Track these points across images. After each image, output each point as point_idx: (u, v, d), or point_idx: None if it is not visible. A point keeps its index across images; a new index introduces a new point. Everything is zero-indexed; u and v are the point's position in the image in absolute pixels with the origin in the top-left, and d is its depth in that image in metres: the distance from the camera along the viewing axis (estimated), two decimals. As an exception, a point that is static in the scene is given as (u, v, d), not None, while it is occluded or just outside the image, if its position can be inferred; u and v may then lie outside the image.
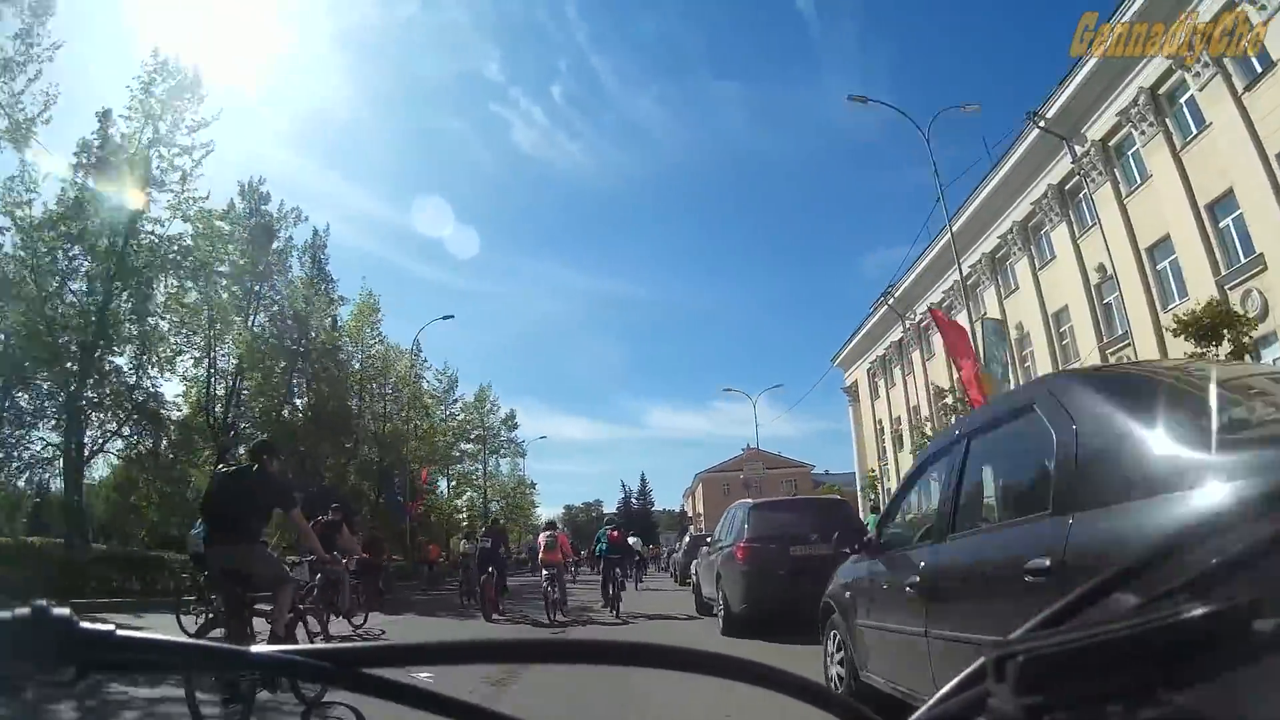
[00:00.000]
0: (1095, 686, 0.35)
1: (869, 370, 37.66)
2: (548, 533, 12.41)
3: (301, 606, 5.27)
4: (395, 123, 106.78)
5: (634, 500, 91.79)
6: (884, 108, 19.35)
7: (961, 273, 19.80)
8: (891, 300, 31.40)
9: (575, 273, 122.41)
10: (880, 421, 36.42)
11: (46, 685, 0.38)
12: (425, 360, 33.26)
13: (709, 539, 13.40)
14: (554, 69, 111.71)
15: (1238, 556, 0.44)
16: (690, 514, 77.38)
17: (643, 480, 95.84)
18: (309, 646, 0.43)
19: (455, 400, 37.22)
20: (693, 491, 79.05)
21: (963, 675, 0.43)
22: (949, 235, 18.68)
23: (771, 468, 61.82)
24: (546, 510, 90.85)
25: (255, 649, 0.42)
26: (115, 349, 18.29)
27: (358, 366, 27.53)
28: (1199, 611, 0.36)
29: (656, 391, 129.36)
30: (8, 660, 0.37)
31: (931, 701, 0.44)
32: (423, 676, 2.22)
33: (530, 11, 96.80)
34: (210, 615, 6.65)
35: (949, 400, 21.69)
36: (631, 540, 17.84)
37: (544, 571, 11.62)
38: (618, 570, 12.17)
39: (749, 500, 10.64)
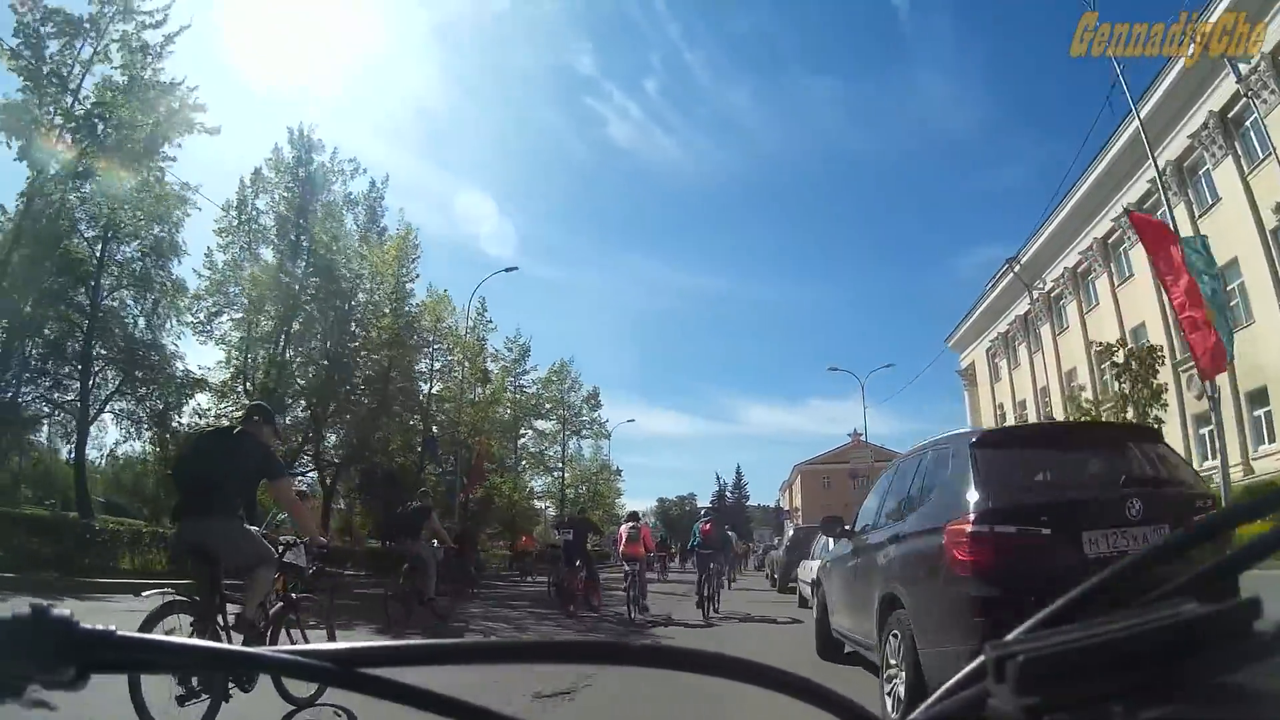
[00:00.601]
0: (1095, 686, 0.35)
1: (988, 350, 34.43)
2: (629, 524, 11.71)
3: (296, 596, 4.49)
4: (490, 116, 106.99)
5: (728, 493, 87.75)
6: None
7: (1157, 166, 15.69)
8: (1016, 269, 27.93)
9: (669, 267, 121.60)
10: (1001, 406, 33.02)
11: (46, 685, 0.38)
12: (490, 320, 28.48)
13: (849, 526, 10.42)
14: (647, 63, 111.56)
15: (1238, 556, 0.44)
16: (787, 508, 74.01)
17: (738, 473, 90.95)
18: (309, 647, 0.43)
19: (526, 372, 33.24)
20: (789, 485, 75.06)
21: (962, 675, 0.43)
22: (1136, 124, 15.81)
23: (878, 460, 59.68)
24: (637, 503, 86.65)
25: (255, 650, 0.42)
26: (123, 293, 17.44)
27: (388, 312, 22.21)
28: (1199, 611, 0.36)
29: (751, 388, 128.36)
30: (8, 660, 0.37)
31: (931, 700, 0.44)
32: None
33: (621, 5, 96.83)
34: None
35: (1119, 357, 17.96)
36: (730, 534, 16.45)
37: (625, 566, 11.04)
38: (712, 566, 11.29)
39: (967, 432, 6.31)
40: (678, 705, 4.55)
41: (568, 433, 36.29)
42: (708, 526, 11.83)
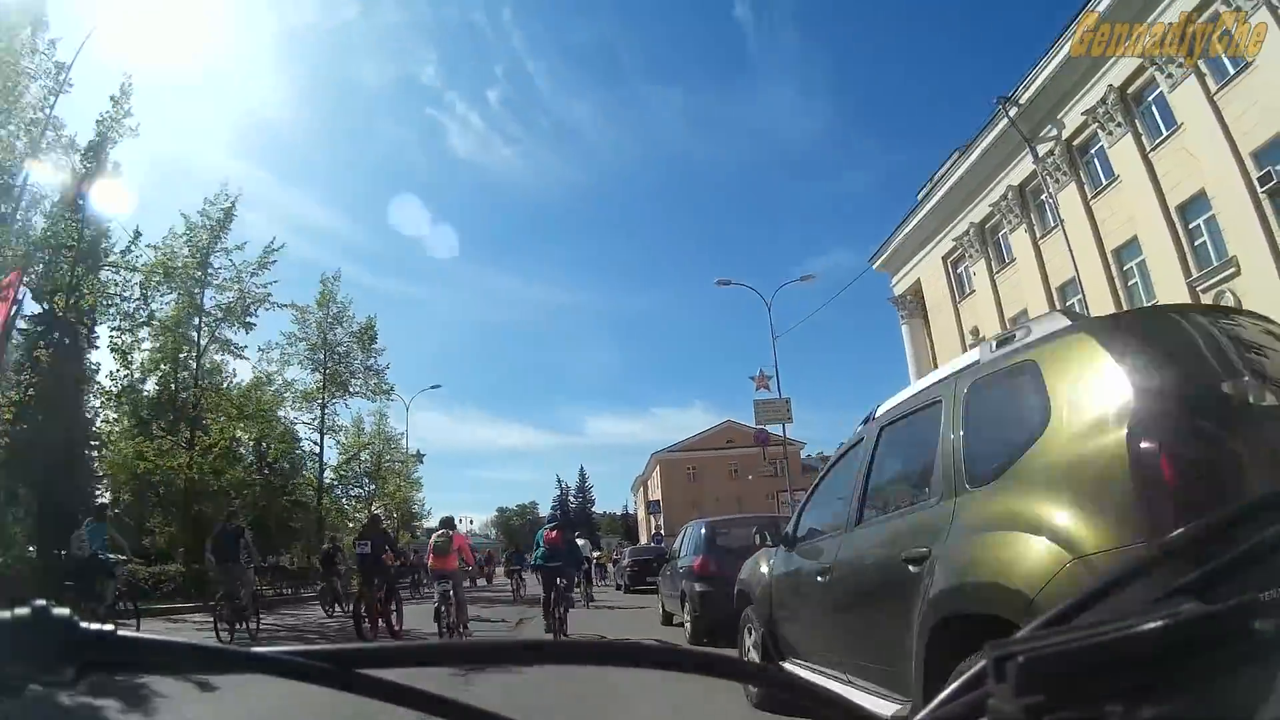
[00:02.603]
0: (1095, 686, 0.35)
1: (949, 257, 24.52)
2: (441, 532, 9.74)
3: None
4: (334, 126, 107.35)
5: (573, 498, 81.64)
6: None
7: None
8: (1012, 113, 19.04)
9: (511, 278, 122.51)
10: (976, 330, 22.79)
11: (46, 685, 0.38)
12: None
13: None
14: (490, 74, 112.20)
15: (1238, 556, 0.44)
16: (639, 509, 68.32)
17: (582, 476, 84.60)
18: (308, 648, 0.43)
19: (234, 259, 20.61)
20: (644, 480, 66.11)
21: (964, 677, 0.43)
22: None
23: (748, 445, 51.95)
24: (477, 516, 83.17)
25: (255, 650, 0.42)
26: None
27: None
28: (1199, 611, 0.36)
29: (593, 399, 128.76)
30: (8, 660, 0.37)
31: (934, 704, 0.44)
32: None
33: (466, 14, 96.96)
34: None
35: None
36: (580, 542, 14.80)
37: (436, 584, 9.18)
38: (560, 581, 9.41)
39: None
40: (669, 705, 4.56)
41: (326, 379, 25.23)
42: (553, 534, 9.74)
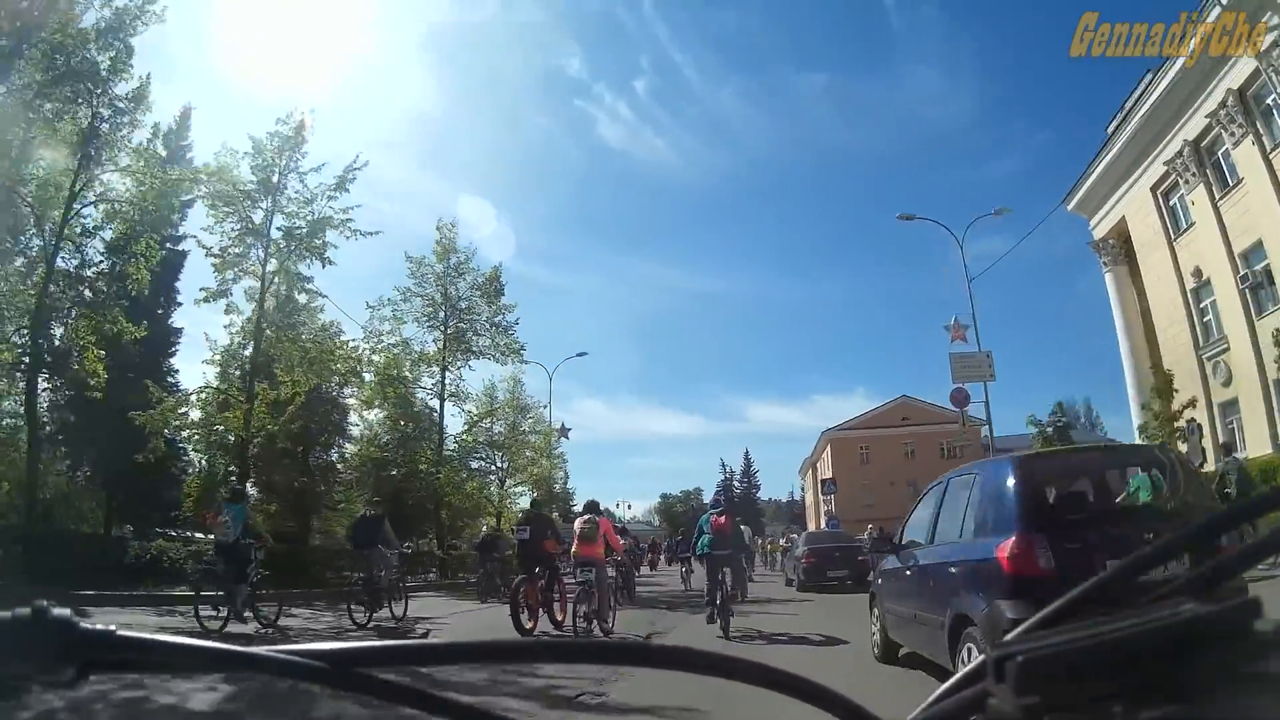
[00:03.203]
0: (1095, 686, 0.35)
1: (1159, 187, 20.09)
2: (585, 517, 9.26)
3: None
4: (481, 121, 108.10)
5: (737, 483, 78.77)
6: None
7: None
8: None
9: (665, 268, 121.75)
10: (1199, 271, 18.69)
11: (46, 685, 0.38)
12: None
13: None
14: (636, 64, 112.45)
15: (1238, 556, 0.44)
16: (806, 493, 64.60)
17: (747, 459, 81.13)
18: (306, 646, 0.43)
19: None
20: (813, 463, 62.20)
21: (962, 674, 0.43)
22: None
23: (922, 422, 49.36)
24: (640, 504, 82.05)
25: (253, 650, 0.42)
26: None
27: None
28: (1199, 611, 0.36)
29: (752, 386, 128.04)
30: (8, 660, 0.37)
31: (930, 699, 0.44)
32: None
33: (608, 7, 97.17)
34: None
35: None
36: (744, 529, 13.19)
37: (578, 571, 8.76)
38: (726, 572, 8.75)
39: None
40: (691, 708, 4.55)
41: (452, 350, 23.02)
42: (721, 520, 9.22)
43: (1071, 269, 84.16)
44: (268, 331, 17.79)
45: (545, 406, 29.71)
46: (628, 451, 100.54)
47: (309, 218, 16.96)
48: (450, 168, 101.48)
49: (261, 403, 16.65)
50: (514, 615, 8.56)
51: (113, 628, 0.40)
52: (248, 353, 17.97)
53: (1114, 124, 21.23)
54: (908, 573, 5.67)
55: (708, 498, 74.95)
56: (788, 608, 11.90)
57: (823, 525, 33.28)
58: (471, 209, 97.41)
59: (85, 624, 0.39)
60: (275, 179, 16.75)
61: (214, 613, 8.55)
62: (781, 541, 29.19)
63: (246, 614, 8.84)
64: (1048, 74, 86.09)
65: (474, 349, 23.75)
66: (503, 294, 24.14)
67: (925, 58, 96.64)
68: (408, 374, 22.68)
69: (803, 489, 74.17)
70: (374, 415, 22.64)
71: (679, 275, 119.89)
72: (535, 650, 0.50)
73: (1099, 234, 23.46)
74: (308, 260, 17.18)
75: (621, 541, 12.07)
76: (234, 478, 15.75)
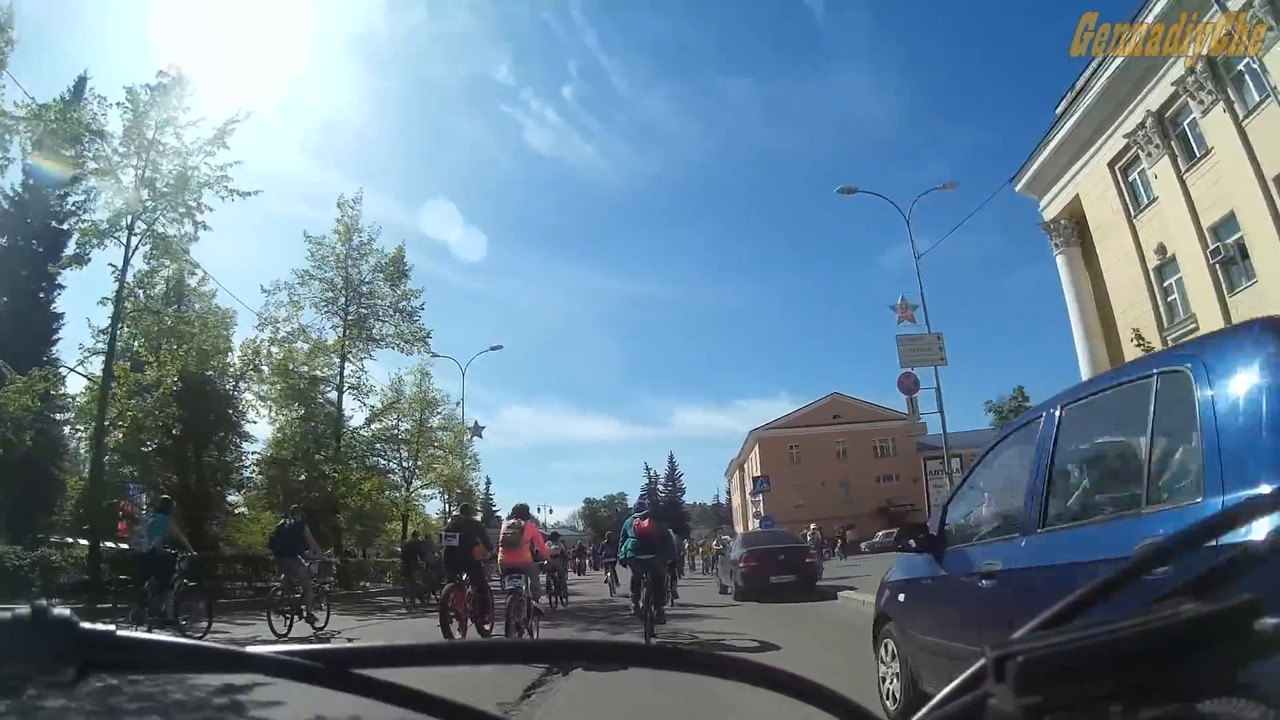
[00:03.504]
0: (1095, 686, 0.35)
1: (1117, 162, 18.90)
2: (510, 522, 8.72)
3: None
4: (409, 128, 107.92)
5: (662, 486, 78.53)
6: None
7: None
8: None
9: (593, 273, 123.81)
10: (1164, 248, 17.81)
11: (46, 685, 0.38)
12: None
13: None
14: (563, 70, 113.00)
15: (1238, 556, 0.44)
16: (734, 499, 63.91)
17: (671, 463, 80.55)
18: (303, 647, 0.43)
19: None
20: (740, 463, 60.86)
21: (963, 676, 0.43)
22: None
23: (854, 420, 50.13)
24: (563, 509, 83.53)
25: (252, 650, 0.42)
26: None
27: None
28: (1199, 611, 0.36)
29: (679, 391, 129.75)
30: (8, 660, 0.37)
31: (932, 703, 0.44)
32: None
33: (536, 14, 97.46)
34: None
35: None
36: (672, 534, 12.32)
37: (505, 580, 8.12)
38: (646, 577, 8.52)
39: None
40: (662, 701, 4.56)
41: (352, 338, 21.61)
42: (645, 523, 9.00)
43: (1013, 258, 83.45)
44: (128, 305, 15.30)
45: (458, 404, 28.35)
46: (552, 456, 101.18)
47: (180, 173, 14.62)
48: (375, 176, 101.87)
49: (121, 385, 14.99)
50: (443, 624, 8.47)
51: (113, 628, 0.40)
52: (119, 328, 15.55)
53: (1064, 104, 20.14)
54: (975, 582, 3.15)
55: (632, 501, 72.18)
56: (721, 613, 11.34)
57: (753, 526, 32.09)
58: (397, 213, 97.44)
59: (85, 624, 0.39)
60: (150, 135, 14.39)
61: (131, 627, 8.48)
62: (713, 545, 27.60)
63: (179, 621, 8.82)
64: (979, 71, 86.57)
65: (376, 336, 22.00)
66: (407, 277, 22.41)
67: (854, 59, 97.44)
68: (304, 366, 20.92)
69: (728, 492, 73.46)
70: (279, 413, 20.83)
71: (606, 280, 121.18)
72: (532, 651, 0.50)
73: (1050, 215, 21.90)
74: (179, 223, 14.76)
75: (551, 547, 11.61)
76: (131, 484, 15.40)
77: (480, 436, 29.52)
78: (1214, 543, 0.48)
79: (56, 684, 0.38)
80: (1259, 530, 0.58)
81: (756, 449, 53.84)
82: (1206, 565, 0.43)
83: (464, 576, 8.91)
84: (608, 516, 69.25)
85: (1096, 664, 0.35)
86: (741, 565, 13.72)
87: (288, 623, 9.72)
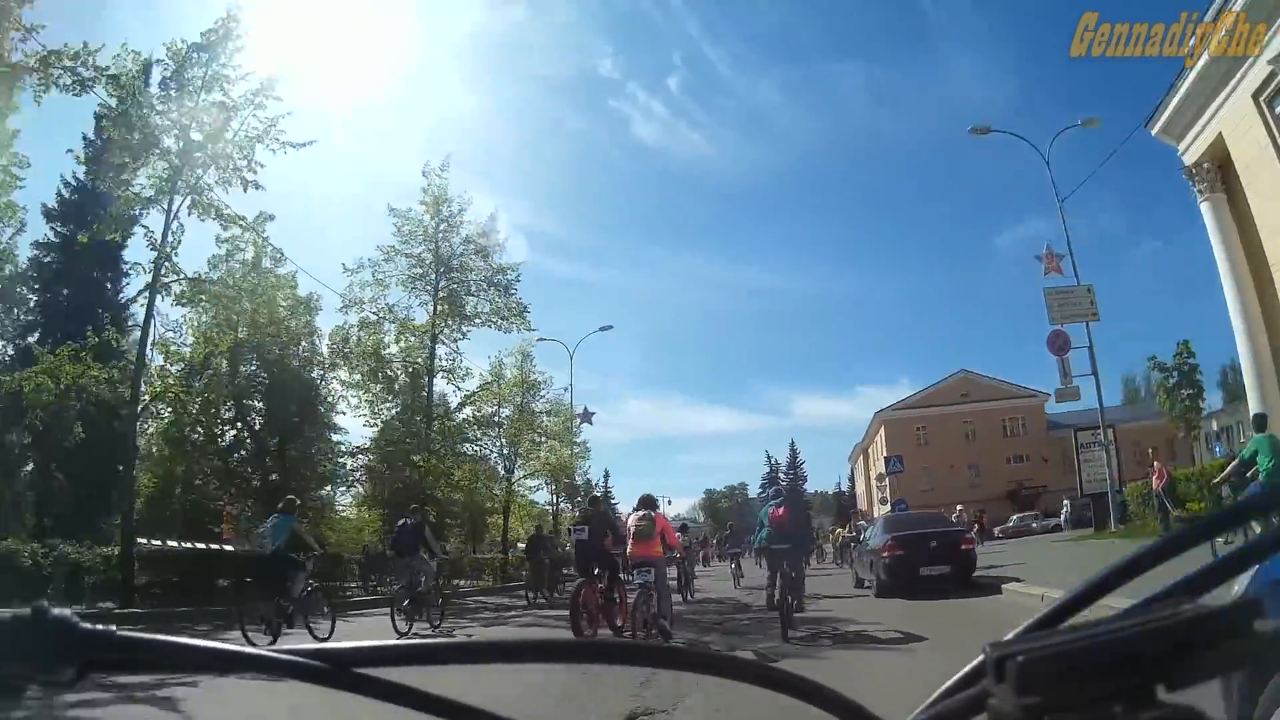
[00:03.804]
0: (1095, 686, 0.35)
1: (1262, 93, 16.07)
2: (640, 513, 8.29)
3: None
4: (519, 124, 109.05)
5: (783, 474, 76.24)
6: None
7: None
8: None
9: (707, 264, 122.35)
10: None
11: (46, 685, 0.38)
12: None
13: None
14: (668, 61, 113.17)
15: (1238, 556, 0.44)
16: (859, 485, 61.59)
17: (793, 450, 78.86)
18: (307, 647, 0.43)
19: None
20: (865, 448, 58.26)
21: (961, 674, 0.43)
22: None
23: (983, 398, 47.80)
24: (684, 502, 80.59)
25: (253, 650, 0.42)
26: None
27: None
28: (1199, 611, 0.36)
29: (797, 380, 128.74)
30: (8, 660, 0.37)
31: (930, 700, 0.44)
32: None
33: (637, 5, 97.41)
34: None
35: None
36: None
37: (634, 574, 7.98)
38: (785, 566, 8.11)
39: None
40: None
41: (449, 314, 20.17)
42: (780, 511, 8.42)
43: (1157, 208, 79.28)
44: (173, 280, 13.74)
45: (567, 390, 26.66)
46: (673, 448, 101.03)
47: (220, 128, 13.22)
48: (489, 172, 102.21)
49: (164, 366, 13.80)
50: (573, 620, 8.18)
51: (112, 628, 0.40)
52: (185, 309, 14.44)
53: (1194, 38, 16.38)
54: None
55: (753, 492, 73.25)
56: (862, 608, 10.04)
57: (882, 512, 29.29)
58: (514, 212, 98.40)
59: (85, 624, 0.39)
60: (197, 89, 13.19)
61: (259, 627, 8.38)
62: (844, 531, 25.24)
63: (307, 625, 8.74)
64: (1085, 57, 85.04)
65: (469, 314, 20.31)
66: (502, 248, 20.96)
67: (962, 43, 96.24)
68: (393, 348, 19.65)
69: (850, 479, 71.54)
70: (367, 402, 20.02)
71: (722, 271, 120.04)
72: (536, 650, 0.50)
73: (1190, 159, 19.22)
74: (228, 183, 13.38)
75: (680, 539, 11.18)
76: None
77: (590, 423, 28.09)
78: (1214, 543, 0.48)
79: (56, 684, 0.38)
80: (1258, 530, 0.58)
81: (882, 431, 50.57)
82: (1206, 566, 0.43)
83: (596, 571, 8.63)
84: (728, 507, 67.98)
85: (1096, 664, 0.35)
86: (885, 555, 11.61)
87: (409, 623, 9.57)
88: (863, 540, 14.75)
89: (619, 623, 8.60)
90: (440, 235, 20.12)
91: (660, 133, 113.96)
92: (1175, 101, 18.90)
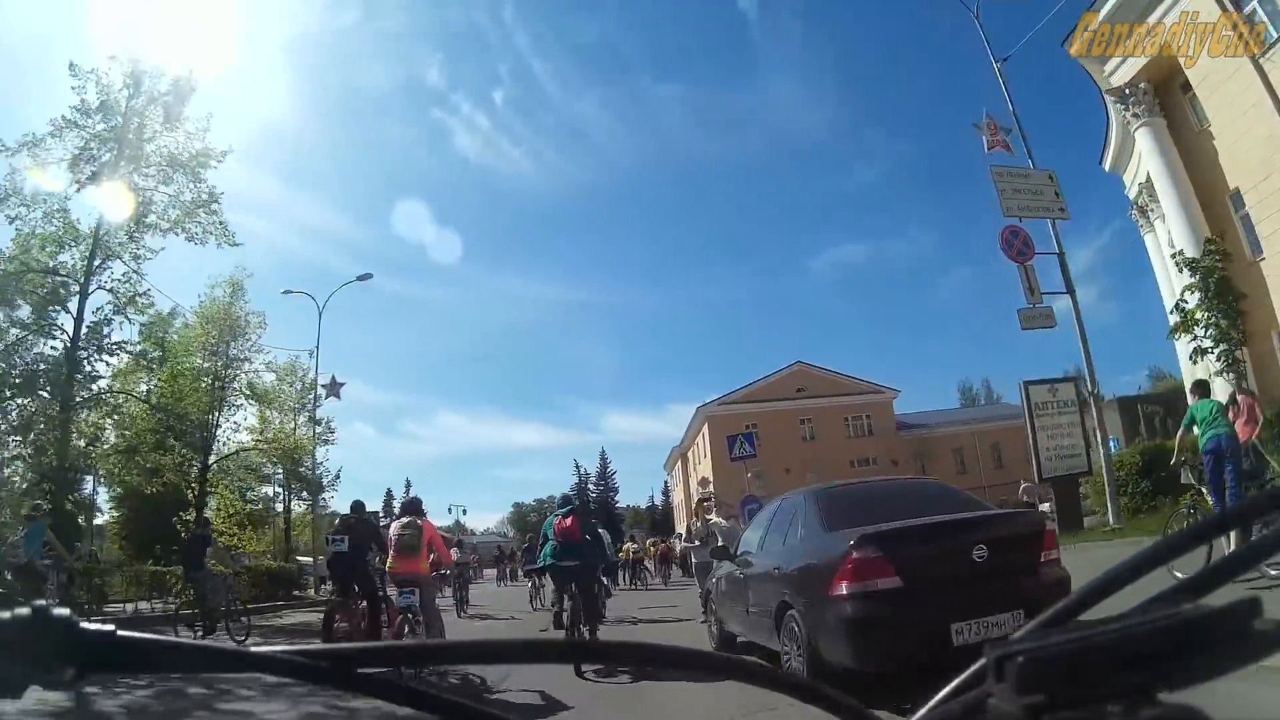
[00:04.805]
0: (1095, 686, 0.35)
1: None
2: (404, 520, 6.83)
3: None
4: (340, 131, 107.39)
5: (593, 485, 73.27)
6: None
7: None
8: None
9: (521, 279, 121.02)
10: None
11: (46, 685, 0.38)
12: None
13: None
14: (495, 74, 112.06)
15: (1238, 557, 0.44)
16: (675, 495, 58.59)
17: (604, 461, 74.84)
18: (309, 647, 0.43)
19: None
20: (684, 451, 50.43)
21: (964, 675, 0.43)
22: None
23: (825, 394, 42.09)
24: (489, 517, 79.91)
25: (255, 650, 0.42)
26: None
27: None
28: (1199, 611, 0.36)
29: (611, 397, 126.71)
30: (8, 660, 0.37)
31: (933, 702, 0.44)
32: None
33: (470, 15, 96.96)
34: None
35: None
36: (602, 533, 9.88)
37: (396, 592, 6.55)
38: (574, 588, 6.87)
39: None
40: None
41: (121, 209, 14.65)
42: (567, 521, 6.95)
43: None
44: None
45: (312, 353, 20.75)
46: (485, 463, 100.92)
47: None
48: (304, 179, 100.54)
49: None
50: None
51: (112, 628, 0.40)
52: None
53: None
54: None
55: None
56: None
57: (713, 519, 25.72)
58: (327, 220, 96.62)
59: (85, 624, 0.39)
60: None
61: None
62: (677, 538, 21.84)
63: None
64: (906, 82, 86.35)
65: (151, 214, 14.62)
66: (208, 131, 15.01)
67: (786, 68, 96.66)
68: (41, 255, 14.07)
69: (664, 493, 67.59)
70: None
71: (536, 286, 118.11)
72: (533, 650, 0.50)
73: (1120, 78, 16.66)
74: None
75: (454, 554, 9.91)
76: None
77: (338, 397, 20.68)
78: (1213, 543, 0.48)
79: (56, 684, 0.38)
80: (1257, 530, 0.58)
81: (706, 430, 42.44)
82: (1206, 565, 0.43)
83: (356, 589, 7.37)
84: (536, 521, 65.40)
85: (1097, 664, 0.35)
86: (847, 592, 4.43)
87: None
88: (734, 553, 6.85)
89: None
90: (130, 109, 14.71)
91: (481, 146, 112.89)
92: (1107, 7, 15.70)
